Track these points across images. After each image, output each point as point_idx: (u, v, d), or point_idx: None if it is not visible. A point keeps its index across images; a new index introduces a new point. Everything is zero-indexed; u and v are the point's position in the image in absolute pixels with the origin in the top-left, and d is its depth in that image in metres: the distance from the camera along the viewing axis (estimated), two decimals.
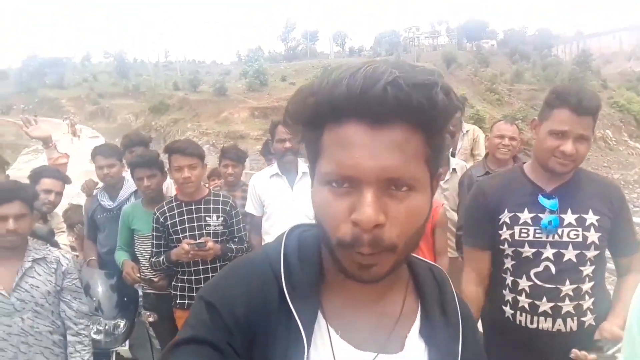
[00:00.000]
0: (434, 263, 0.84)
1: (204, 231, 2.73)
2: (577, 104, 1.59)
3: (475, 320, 0.85)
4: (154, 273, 2.91)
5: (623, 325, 1.39)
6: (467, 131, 4.32)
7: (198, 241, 2.61)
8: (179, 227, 2.72)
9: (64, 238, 3.14)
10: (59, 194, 2.99)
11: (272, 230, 2.99)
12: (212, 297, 0.70)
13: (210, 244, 2.64)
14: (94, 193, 3.48)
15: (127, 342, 2.80)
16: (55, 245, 2.70)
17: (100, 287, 2.79)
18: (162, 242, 2.76)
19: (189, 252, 2.59)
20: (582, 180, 1.75)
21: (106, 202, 3.29)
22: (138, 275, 2.90)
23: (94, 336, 2.53)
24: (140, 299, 3.05)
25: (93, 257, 3.31)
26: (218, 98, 24.84)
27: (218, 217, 2.77)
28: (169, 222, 2.73)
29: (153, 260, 2.78)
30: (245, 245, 2.91)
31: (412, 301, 0.77)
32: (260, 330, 0.68)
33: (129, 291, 2.91)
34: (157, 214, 2.75)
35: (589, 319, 1.70)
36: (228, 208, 2.83)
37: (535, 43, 52.72)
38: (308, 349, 0.66)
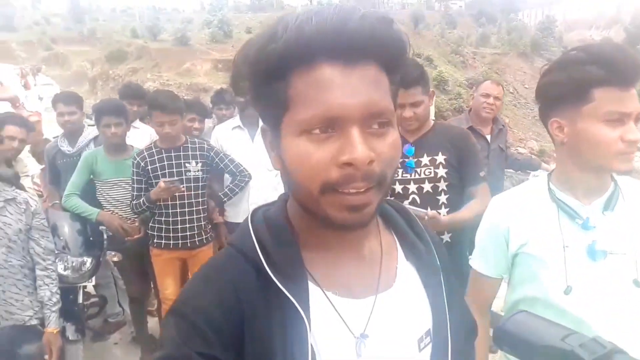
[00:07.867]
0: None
1: (184, 177, 2.93)
2: (401, 80, 2.08)
3: (436, 235, 0.89)
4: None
5: (446, 223, 2.06)
6: None
7: (173, 179, 2.84)
8: (159, 172, 2.90)
9: (28, 181, 3.26)
10: (23, 141, 3.08)
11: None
12: (184, 310, 0.67)
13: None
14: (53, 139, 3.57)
15: (93, 279, 3.00)
16: (22, 188, 2.82)
17: (67, 228, 2.94)
18: (143, 185, 2.95)
19: (167, 189, 2.80)
20: (437, 130, 2.28)
21: (66, 148, 3.39)
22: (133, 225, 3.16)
23: (62, 272, 2.72)
24: (105, 241, 3.24)
25: (57, 201, 3.44)
26: (180, 48, 23.73)
27: (197, 162, 2.97)
28: (149, 167, 2.90)
29: (134, 202, 2.97)
30: (243, 176, 3.16)
31: (388, 236, 0.79)
32: (250, 324, 0.65)
33: (94, 232, 3.08)
34: (138, 159, 2.92)
35: (446, 236, 2.23)
36: (206, 153, 3.02)
37: (503, 5, 52.85)
38: (309, 324, 0.64)
